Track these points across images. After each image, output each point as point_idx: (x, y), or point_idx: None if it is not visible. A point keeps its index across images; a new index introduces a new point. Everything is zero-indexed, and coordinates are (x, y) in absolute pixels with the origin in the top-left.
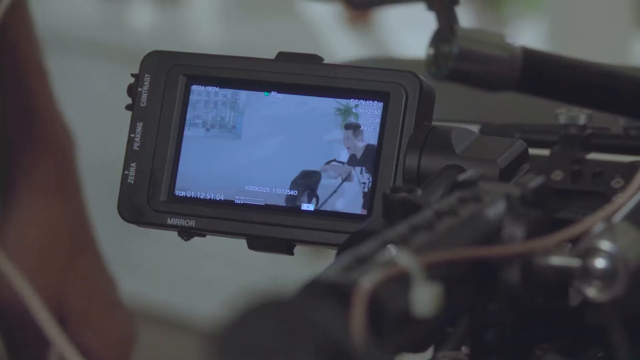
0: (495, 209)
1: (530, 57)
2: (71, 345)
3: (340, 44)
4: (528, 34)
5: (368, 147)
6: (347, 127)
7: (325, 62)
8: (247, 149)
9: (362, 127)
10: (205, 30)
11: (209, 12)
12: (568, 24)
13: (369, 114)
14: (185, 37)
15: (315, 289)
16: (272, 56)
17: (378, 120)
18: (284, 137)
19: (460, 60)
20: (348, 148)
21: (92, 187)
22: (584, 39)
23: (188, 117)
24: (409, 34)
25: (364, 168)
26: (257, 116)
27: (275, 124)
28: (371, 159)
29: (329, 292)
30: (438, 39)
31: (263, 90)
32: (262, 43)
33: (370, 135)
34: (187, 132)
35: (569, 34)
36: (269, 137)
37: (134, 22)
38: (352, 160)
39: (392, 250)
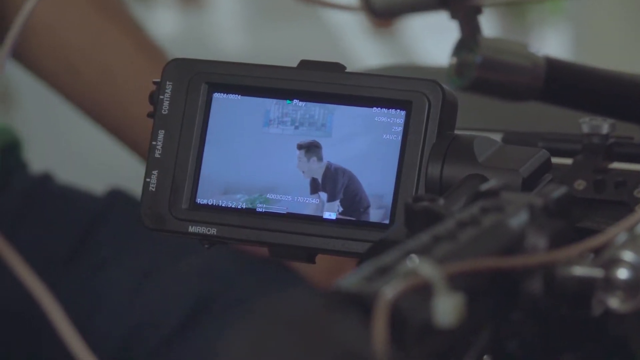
0: (518, 219)
1: (554, 67)
2: (88, 351)
3: (363, 51)
4: (552, 41)
5: (329, 169)
6: (300, 147)
7: (347, 70)
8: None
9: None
10: (228, 36)
11: (232, 18)
12: (592, 31)
13: (391, 122)
14: (208, 43)
15: (337, 299)
16: (294, 63)
17: (400, 129)
18: None
19: (483, 70)
20: (303, 172)
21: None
22: (607, 46)
23: (210, 124)
24: (432, 41)
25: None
26: None
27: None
28: (335, 184)
29: (350, 302)
30: (461, 48)
31: (285, 99)
32: (284, 50)
33: (392, 144)
34: (209, 140)
35: (592, 41)
36: None
37: (156, 28)
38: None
39: (414, 260)
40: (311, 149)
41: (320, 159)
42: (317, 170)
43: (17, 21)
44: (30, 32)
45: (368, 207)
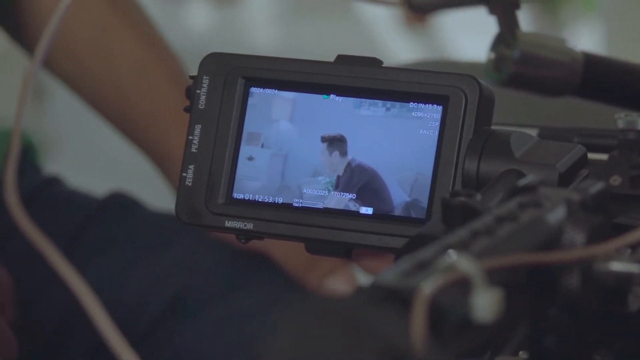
0: (556, 215)
1: (591, 62)
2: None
3: (395, 46)
4: (584, 37)
5: (350, 165)
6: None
7: (384, 65)
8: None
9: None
10: (261, 31)
11: (265, 13)
12: (624, 27)
13: (428, 117)
14: (242, 38)
15: (376, 293)
16: (328, 57)
17: (437, 124)
18: None
19: (521, 65)
20: (326, 166)
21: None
22: None
23: (247, 119)
24: (465, 36)
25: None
26: None
27: None
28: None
29: (389, 297)
30: (499, 43)
31: (322, 93)
32: (316, 44)
33: (429, 139)
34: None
35: (625, 37)
36: None
37: (190, 23)
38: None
39: (452, 255)
40: (334, 142)
41: (343, 154)
42: (338, 165)
43: (47, 31)
44: (38, 19)
45: (392, 207)
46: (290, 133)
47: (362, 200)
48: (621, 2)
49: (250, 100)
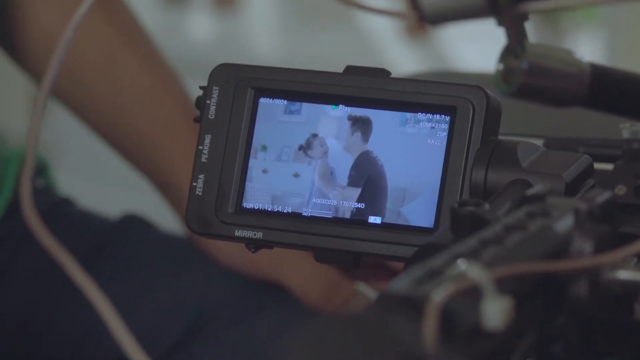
0: (564, 224)
1: (599, 73)
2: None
3: (397, 56)
4: (585, 47)
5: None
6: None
7: (392, 76)
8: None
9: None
10: (263, 40)
11: (267, 22)
12: (625, 36)
13: (436, 127)
14: (244, 48)
15: (389, 301)
16: (329, 66)
17: (445, 134)
18: None
19: (530, 76)
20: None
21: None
22: None
23: (256, 129)
24: (465, 45)
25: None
26: None
27: None
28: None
29: (401, 305)
30: (507, 55)
31: (331, 104)
32: (318, 54)
33: (437, 149)
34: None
35: (626, 46)
36: None
37: (192, 33)
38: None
39: (462, 264)
40: (358, 122)
41: (365, 139)
42: (356, 148)
43: (55, 57)
44: (41, 44)
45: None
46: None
47: (364, 195)
48: (621, 11)
49: (259, 111)
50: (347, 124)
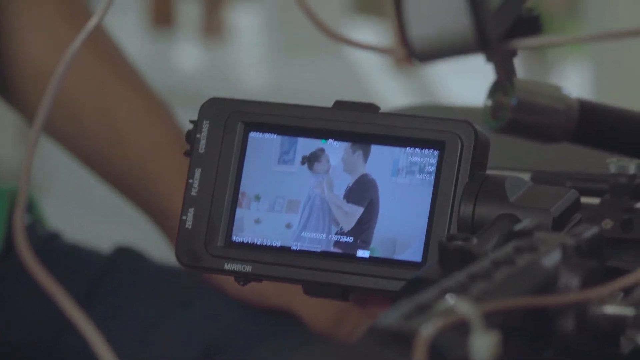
0: (551, 259)
1: (586, 109)
2: None
3: (386, 87)
4: (572, 80)
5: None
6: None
7: (381, 111)
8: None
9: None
10: (251, 71)
11: (255, 54)
12: (612, 68)
13: (424, 162)
14: (230, 79)
15: (377, 336)
16: (317, 99)
17: (433, 168)
18: None
19: (518, 112)
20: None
21: None
22: (628, 84)
23: (245, 163)
24: (453, 78)
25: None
26: None
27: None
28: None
29: (390, 340)
30: (496, 91)
31: (320, 138)
32: (306, 86)
33: (425, 183)
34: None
35: (613, 78)
36: None
37: (179, 63)
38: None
39: (451, 298)
40: (359, 142)
41: (365, 160)
42: (358, 168)
43: (46, 99)
44: (31, 80)
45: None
46: (290, 176)
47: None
48: (608, 44)
49: (249, 145)
50: (346, 144)
